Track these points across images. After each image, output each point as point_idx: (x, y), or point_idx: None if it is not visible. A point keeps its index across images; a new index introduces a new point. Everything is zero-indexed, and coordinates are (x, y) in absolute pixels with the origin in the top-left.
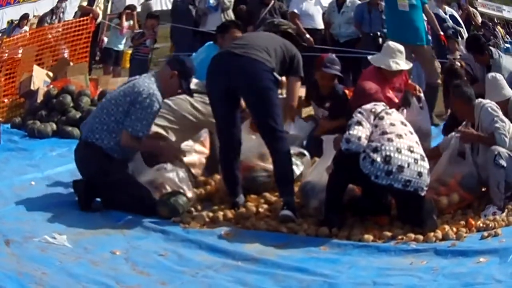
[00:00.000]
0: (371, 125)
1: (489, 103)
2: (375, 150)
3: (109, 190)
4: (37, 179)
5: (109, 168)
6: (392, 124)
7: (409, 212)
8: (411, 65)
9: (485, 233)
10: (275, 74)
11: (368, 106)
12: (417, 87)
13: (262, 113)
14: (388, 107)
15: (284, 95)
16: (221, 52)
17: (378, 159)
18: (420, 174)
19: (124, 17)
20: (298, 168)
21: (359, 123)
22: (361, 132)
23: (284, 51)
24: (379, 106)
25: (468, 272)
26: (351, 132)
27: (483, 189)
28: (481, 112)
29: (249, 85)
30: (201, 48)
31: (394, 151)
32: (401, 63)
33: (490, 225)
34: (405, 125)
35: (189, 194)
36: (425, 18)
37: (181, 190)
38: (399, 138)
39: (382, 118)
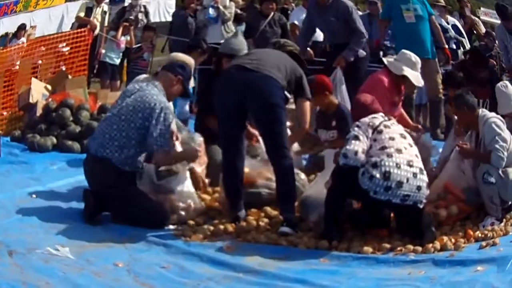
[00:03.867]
0: (369, 139)
1: (494, 118)
2: (375, 165)
3: (119, 202)
4: (38, 192)
5: (120, 181)
6: (391, 138)
7: (407, 225)
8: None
9: (483, 243)
10: (285, 92)
11: (366, 119)
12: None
13: (269, 130)
14: (387, 118)
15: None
16: (232, 66)
17: (378, 175)
18: (419, 187)
19: (120, 30)
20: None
21: (356, 137)
22: (357, 146)
23: (292, 71)
24: (377, 119)
25: (466, 280)
26: (348, 147)
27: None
28: (485, 126)
29: (260, 101)
30: None
31: (394, 166)
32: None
33: (489, 235)
34: (405, 137)
35: (198, 206)
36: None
37: (188, 202)
38: (399, 153)
39: (381, 132)
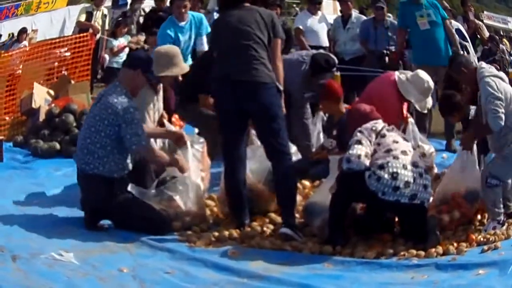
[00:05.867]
0: (373, 144)
1: (487, 77)
2: (381, 167)
3: (117, 213)
4: (42, 197)
5: (113, 191)
6: (395, 141)
7: (412, 228)
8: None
9: (485, 247)
10: (277, 85)
11: (368, 125)
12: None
13: (269, 135)
14: (387, 124)
15: None
16: (222, 76)
17: (386, 176)
18: (425, 186)
19: (118, 34)
20: None
21: (359, 142)
22: (360, 150)
23: (263, 24)
24: (379, 124)
25: (468, 284)
26: (351, 151)
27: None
28: (480, 84)
29: (257, 110)
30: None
31: (401, 167)
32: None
33: (491, 239)
34: (407, 141)
35: (201, 211)
36: None
37: (191, 208)
38: (404, 155)
39: (384, 136)
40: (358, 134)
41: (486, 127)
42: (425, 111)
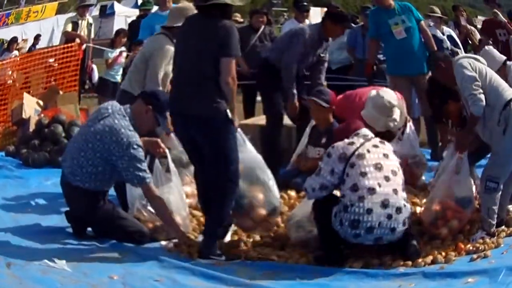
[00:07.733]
0: (338, 173)
1: (460, 59)
2: (346, 209)
3: (98, 224)
4: (34, 206)
5: (95, 203)
6: (363, 174)
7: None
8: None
9: (474, 256)
10: (227, 113)
11: (340, 146)
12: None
13: (212, 168)
14: (369, 137)
15: None
16: (171, 109)
17: (346, 223)
18: (393, 229)
19: (118, 44)
20: None
21: (318, 171)
22: (316, 182)
23: (210, 48)
24: (353, 145)
25: None
26: (309, 180)
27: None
28: (455, 70)
29: (202, 143)
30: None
31: (364, 213)
32: (397, 117)
33: (480, 248)
34: (380, 168)
35: (186, 221)
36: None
37: (179, 214)
38: (371, 194)
39: (353, 166)
40: (325, 158)
41: (473, 117)
42: (383, 129)
